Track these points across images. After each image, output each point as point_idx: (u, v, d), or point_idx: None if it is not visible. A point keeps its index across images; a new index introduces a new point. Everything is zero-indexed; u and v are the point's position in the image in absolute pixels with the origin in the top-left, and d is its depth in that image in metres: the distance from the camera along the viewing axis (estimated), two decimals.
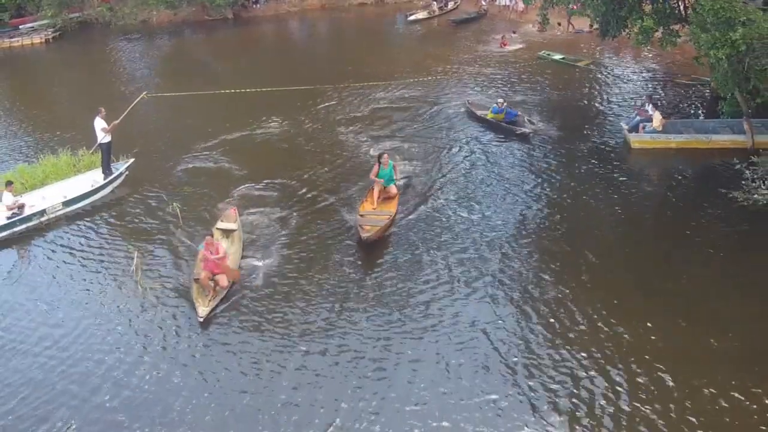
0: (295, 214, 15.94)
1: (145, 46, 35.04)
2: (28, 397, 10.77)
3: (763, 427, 9.56)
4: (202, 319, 12.18)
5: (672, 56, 25.90)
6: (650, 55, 27.61)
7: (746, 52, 15.52)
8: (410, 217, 15.76)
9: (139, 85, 25.91)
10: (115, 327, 12.36)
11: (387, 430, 9.85)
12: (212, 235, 13.55)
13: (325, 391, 10.64)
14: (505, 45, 29.92)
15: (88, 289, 13.51)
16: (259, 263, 13.97)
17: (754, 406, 9.93)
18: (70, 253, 14.88)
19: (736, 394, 10.12)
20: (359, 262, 14.10)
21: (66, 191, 16.84)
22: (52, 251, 15.02)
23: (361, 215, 15.26)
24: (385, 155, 16.18)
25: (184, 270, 13.89)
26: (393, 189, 16.07)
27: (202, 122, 21.80)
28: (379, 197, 15.85)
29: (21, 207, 15.89)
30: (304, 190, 17.10)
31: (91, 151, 18.28)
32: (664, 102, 21.97)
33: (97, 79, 28.81)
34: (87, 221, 16.21)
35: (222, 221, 15.14)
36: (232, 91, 22.59)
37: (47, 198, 16.54)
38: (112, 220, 16.28)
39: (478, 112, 21.37)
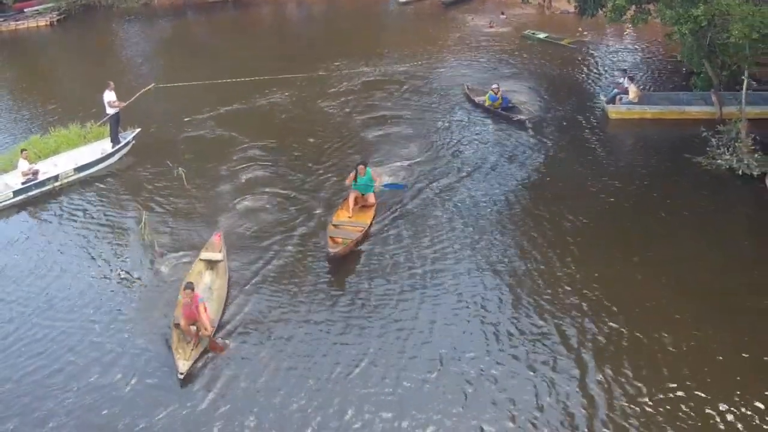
0: (287, 203, 16.06)
1: (147, 28, 35.93)
2: (51, 353, 11.46)
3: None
4: (182, 376, 10.43)
5: (649, 34, 26.93)
6: (629, 34, 28.52)
7: (708, 27, 16.70)
8: (401, 198, 15.89)
9: (143, 66, 26.98)
10: (126, 281, 13.36)
11: None
12: (192, 288, 11.36)
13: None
14: (492, 27, 30.74)
15: (98, 247, 14.60)
16: (248, 299, 12.71)
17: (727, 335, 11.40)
18: (83, 215, 16.02)
19: (712, 326, 11.59)
20: (335, 275, 13.35)
21: (77, 159, 17.89)
22: (65, 213, 16.14)
23: (334, 225, 14.34)
24: (361, 166, 15.11)
25: (188, 226, 15.09)
26: (371, 198, 15.19)
27: (203, 98, 22.58)
28: (355, 205, 14.98)
29: (35, 173, 16.94)
30: (298, 167, 17.82)
31: (99, 123, 19.34)
32: (642, 76, 23.07)
33: (102, 59, 29.64)
34: (97, 185, 17.34)
35: (206, 251, 13.55)
36: (238, 80, 22.83)
37: (59, 165, 17.57)
38: (121, 184, 17.39)
39: (477, 98, 21.71)
